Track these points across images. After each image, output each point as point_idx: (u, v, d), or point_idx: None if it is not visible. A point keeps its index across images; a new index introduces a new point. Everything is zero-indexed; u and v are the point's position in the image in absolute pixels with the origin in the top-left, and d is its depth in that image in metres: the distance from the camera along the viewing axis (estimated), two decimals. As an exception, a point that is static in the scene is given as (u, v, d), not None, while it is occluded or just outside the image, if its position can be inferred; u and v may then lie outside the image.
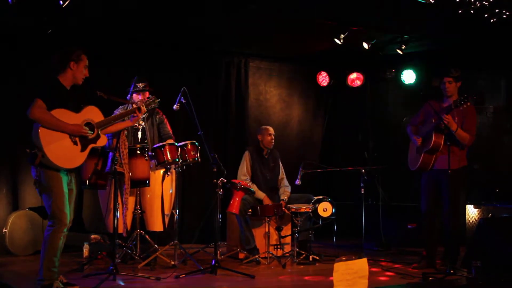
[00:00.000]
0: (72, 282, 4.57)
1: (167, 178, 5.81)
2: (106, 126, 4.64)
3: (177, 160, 5.59)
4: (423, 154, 5.59)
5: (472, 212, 6.74)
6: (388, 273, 5.52)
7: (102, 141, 4.62)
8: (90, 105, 4.56)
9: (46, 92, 4.28)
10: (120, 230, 5.34)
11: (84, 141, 4.44)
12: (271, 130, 6.62)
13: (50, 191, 4.28)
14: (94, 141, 4.52)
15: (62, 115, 4.31)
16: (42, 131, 4.20)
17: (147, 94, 5.95)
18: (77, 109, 4.46)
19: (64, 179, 4.36)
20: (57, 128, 4.27)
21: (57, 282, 4.31)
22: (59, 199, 4.29)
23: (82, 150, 4.44)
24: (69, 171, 4.45)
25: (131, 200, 5.57)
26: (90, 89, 4.61)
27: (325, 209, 6.14)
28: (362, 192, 6.20)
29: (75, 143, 4.38)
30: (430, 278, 5.06)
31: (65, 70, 4.43)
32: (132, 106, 5.07)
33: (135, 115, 4.92)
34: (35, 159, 4.21)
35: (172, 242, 5.64)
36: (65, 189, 4.34)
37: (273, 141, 6.59)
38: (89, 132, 4.44)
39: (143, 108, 4.97)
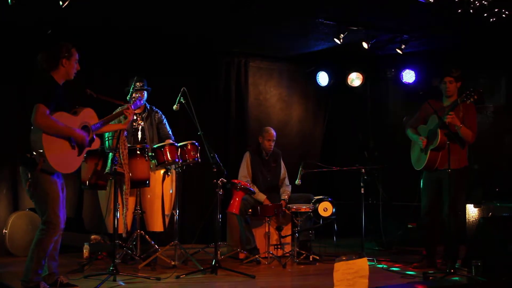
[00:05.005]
0: (72, 283, 4.57)
1: (167, 179, 5.82)
2: (100, 128, 4.64)
3: (177, 160, 5.60)
4: (429, 152, 5.57)
5: (472, 211, 6.74)
6: (388, 273, 5.52)
7: (96, 144, 4.61)
8: (87, 107, 4.54)
9: (46, 95, 4.19)
10: (120, 230, 5.34)
11: (80, 145, 4.40)
12: (272, 135, 6.56)
13: (46, 195, 4.21)
14: (89, 144, 4.50)
15: (63, 118, 4.26)
16: (45, 137, 4.13)
17: (144, 93, 5.97)
18: (73, 110, 4.42)
19: (58, 182, 4.31)
20: (62, 134, 4.23)
21: (43, 283, 4.27)
22: (55, 203, 4.23)
23: (79, 154, 4.41)
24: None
25: (131, 201, 5.57)
26: (80, 87, 4.57)
27: (325, 208, 6.14)
28: (362, 191, 6.19)
29: (73, 147, 4.34)
30: (431, 278, 5.06)
31: (57, 67, 4.36)
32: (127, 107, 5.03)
33: (126, 114, 4.92)
34: (37, 165, 4.11)
35: (173, 243, 5.64)
36: (60, 192, 4.29)
37: (271, 147, 6.56)
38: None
39: (131, 109, 4.96)
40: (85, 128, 4.47)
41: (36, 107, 4.11)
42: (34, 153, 4.14)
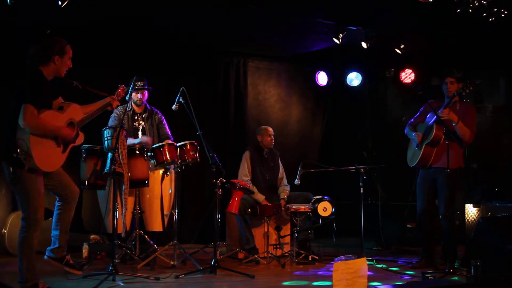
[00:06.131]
0: (77, 266, 4.58)
1: (167, 178, 5.82)
2: (84, 123, 4.60)
3: (176, 160, 5.60)
4: (424, 146, 5.57)
5: (471, 211, 6.74)
6: (387, 273, 5.52)
7: (80, 140, 4.56)
8: (73, 103, 4.50)
9: (34, 94, 4.11)
10: (119, 230, 5.34)
11: (65, 142, 4.38)
12: (271, 130, 6.62)
13: (27, 193, 4.18)
14: (74, 141, 4.47)
15: (50, 117, 4.22)
16: (32, 138, 4.08)
17: (145, 92, 5.97)
18: (59, 106, 4.38)
19: (40, 178, 4.26)
20: (50, 134, 4.19)
21: (41, 282, 4.27)
22: (36, 200, 4.19)
23: (64, 151, 4.38)
24: None
25: (130, 200, 5.57)
26: (67, 79, 4.50)
27: (325, 208, 6.14)
28: (362, 191, 6.19)
29: (58, 145, 4.30)
30: (430, 278, 5.06)
31: (48, 63, 4.29)
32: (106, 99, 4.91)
33: (109, 108, 4.89)
34: (21, 165, 4.07)
35: (172, 242, 5.64)
36: (42, 189, 4.25)
37: (273, 141, 6.61)
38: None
39: (116, 102, 4.92)
40: (71, 124, 4.44)
41: (25, 107, 4.04)
42: (19, 150, 4.08)
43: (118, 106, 4.98)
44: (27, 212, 4.20)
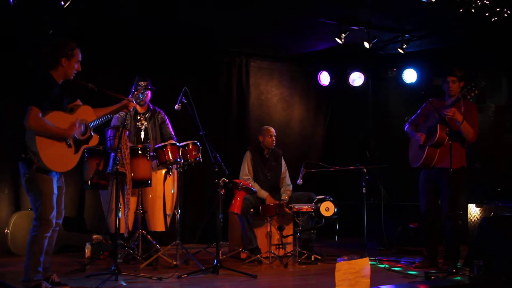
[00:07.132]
0: (64, 282, 4.55)
1: (169, 178, 5.83)
2: (97, 125, 4.61)
3: (178, 160, 5.60)
4: (427, 148, 5.55)
5: (474, 211, 6.73)
6: (390, 273, 5.52)
7: (94, 141, 4.57)
8: (84, 104, 4.51)
9: (39, 96, 4.12)
10: (122, 230, 5.35)
11: (77, 143, 4.39)
12: (272, 131, 6.62)
13: (40, 193, 4.19)
14: (87, 142, 4.47)
15: (58, 118, 4.23)
16: (38, 138, 4.10)
17: (148, 92, 5.98)
18: (70, 107, 4.39)
19: (54, 179, 4.29)
20: (54, 137, 4.19)
21: (44, 282, 4.27)
22: (48, 201, 4.21)
23: (76, 152, 4.38)
24: None
25: (133, 200, 5.57)
26: (82, 82, 4.50)
27: (327, 208, 6.13)
28: (364, 191, 6.19)
29: (69, 146, 4.32)
30: (432, 277, 5.06)
31: (56, 66, 4.28)
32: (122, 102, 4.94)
33: (125, 110, 4.88)
34: (31, 165, 4.09)
35: (174, 242, 5.64)
36: (55, 190, 4.28)
37: (274, 142, 6.60)
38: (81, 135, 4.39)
39: (132, 104, 4.92)
40: (82, 126, 4.44)
41: (29, 109, 4.06)
42: (29, 152, 4.11)
43: (133, 108, 4.99)
44: (39, 212, 4.22)
